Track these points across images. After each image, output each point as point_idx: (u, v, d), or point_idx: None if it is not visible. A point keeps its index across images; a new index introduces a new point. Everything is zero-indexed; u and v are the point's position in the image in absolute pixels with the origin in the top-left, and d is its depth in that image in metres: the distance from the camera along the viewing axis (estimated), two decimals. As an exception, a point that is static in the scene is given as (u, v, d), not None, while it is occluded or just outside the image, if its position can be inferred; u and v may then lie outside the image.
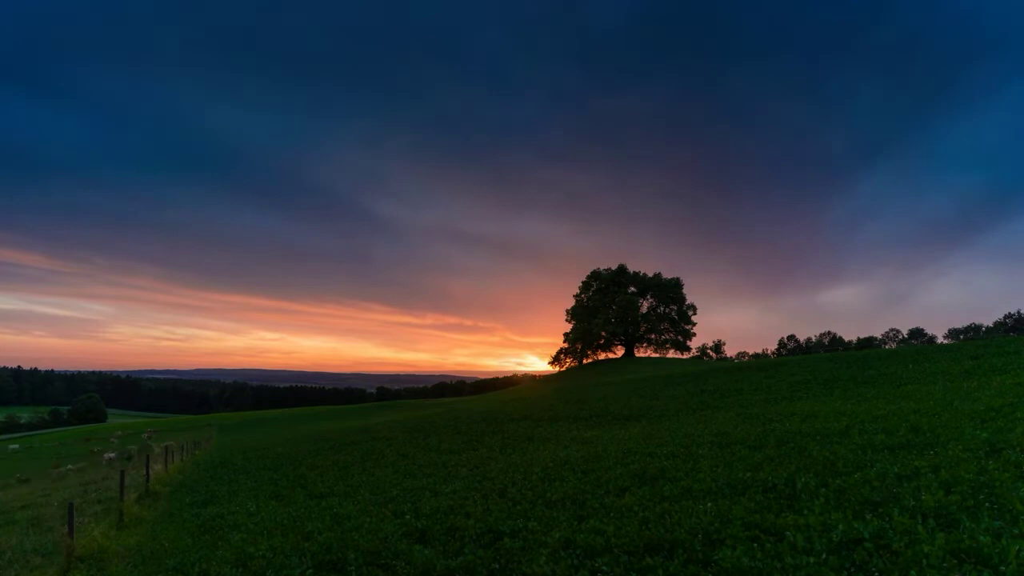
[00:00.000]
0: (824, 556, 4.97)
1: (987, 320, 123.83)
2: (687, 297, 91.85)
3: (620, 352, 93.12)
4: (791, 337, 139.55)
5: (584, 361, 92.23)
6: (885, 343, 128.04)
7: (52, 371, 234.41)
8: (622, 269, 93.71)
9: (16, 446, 56.06)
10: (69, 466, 28.91)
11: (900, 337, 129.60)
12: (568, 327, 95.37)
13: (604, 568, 5.58)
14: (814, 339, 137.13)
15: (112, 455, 31.13)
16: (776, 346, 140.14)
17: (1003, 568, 4.26)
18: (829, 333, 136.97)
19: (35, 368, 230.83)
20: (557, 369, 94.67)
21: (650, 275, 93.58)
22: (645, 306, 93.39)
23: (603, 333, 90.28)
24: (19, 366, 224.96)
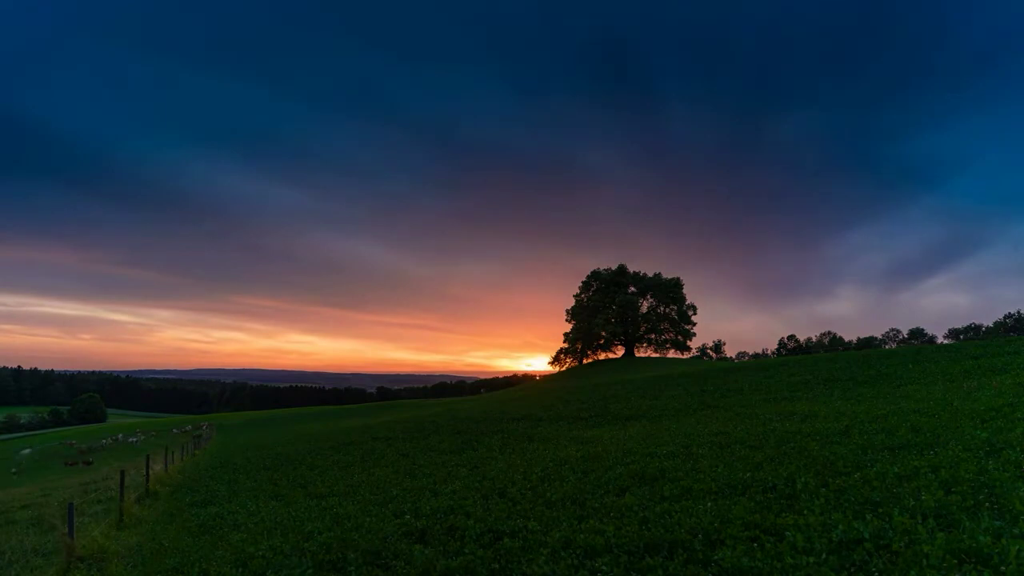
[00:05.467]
0: (824, 556, 4.97)
1: (987, 320, 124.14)
2: (687, 297, 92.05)
3: (620, 352, 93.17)
4: (791, 337, 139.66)
5: (584, 361, 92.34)
6: (885, 343, 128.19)
7: (52, 371, 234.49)
8: (622, 269, 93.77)
9: (28, 450, 50.39)
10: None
11: (900, 337, 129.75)
12: (568, 327, 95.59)
13: (604, 568, 5.59)
14: (814, 339, 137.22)
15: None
16: (776, 346, 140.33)
17: (1003, 568, 4.27)
18: (829, 333, 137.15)
19: (35, 368, 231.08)
20: (557, 369, 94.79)
21: (650, 275, 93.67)
22: (645, 306, 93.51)
23: (603, 333, 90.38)
24: (19, 366, 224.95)
